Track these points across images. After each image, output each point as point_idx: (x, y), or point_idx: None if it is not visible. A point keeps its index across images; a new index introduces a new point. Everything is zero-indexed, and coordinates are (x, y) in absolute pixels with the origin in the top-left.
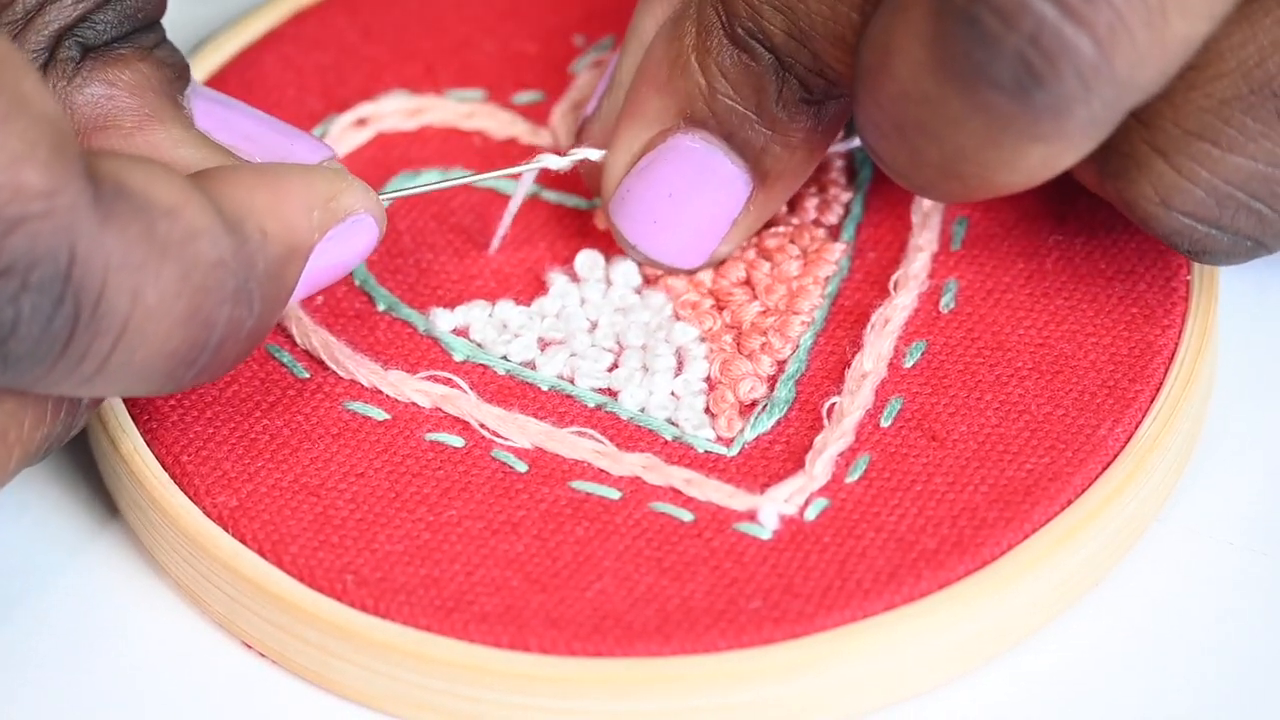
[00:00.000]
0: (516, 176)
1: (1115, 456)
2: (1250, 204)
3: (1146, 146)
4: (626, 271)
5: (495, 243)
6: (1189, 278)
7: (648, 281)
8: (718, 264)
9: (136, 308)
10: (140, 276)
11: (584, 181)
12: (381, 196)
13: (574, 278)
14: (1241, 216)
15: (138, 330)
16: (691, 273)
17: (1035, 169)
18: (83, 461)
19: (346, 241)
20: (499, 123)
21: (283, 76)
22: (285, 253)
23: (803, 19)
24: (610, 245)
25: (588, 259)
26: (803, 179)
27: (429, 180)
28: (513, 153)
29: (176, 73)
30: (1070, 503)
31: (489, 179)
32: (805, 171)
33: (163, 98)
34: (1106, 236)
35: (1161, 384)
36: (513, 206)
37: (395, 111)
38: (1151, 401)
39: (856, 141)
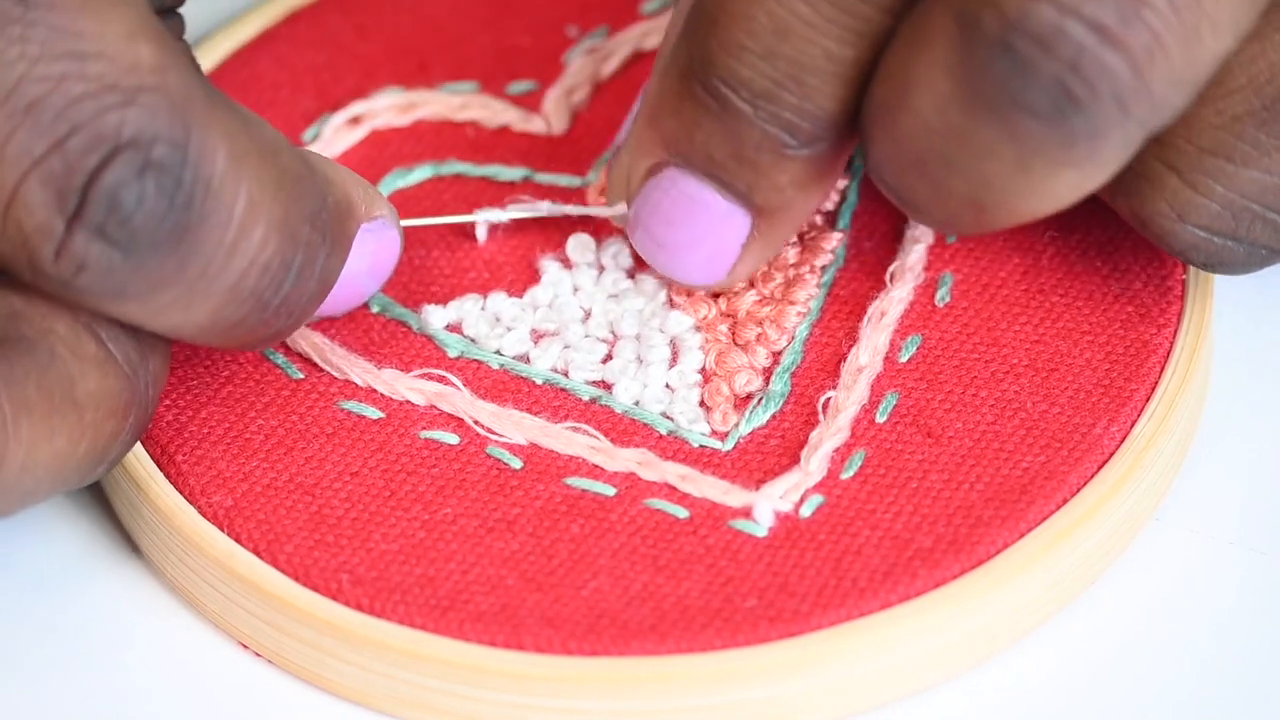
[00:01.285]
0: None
1: (1111, 455)
2: (1266, 215)
3: (1160, 164)
4: (618, 254)
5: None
6: (1184, 276)
7: (641, 264)
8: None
9: (240, 200)
10: (245, 169)
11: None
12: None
13: (566, 264)
14: (1258, 227)
15: (243, 228)
16: (717, 289)
17: (1064, 194)
18: None
19: (380, 241)
20: (491, 111)
21: (277, 76)
22: (346, 202)
23: (789, 63)
24: (601, 228)
25: (579, 243)
26: (809, 208)
27: (421, 175)
28: (507, 140)
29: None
30: (1066, 501)
31: (520, 212)
32: (806, 202)
33: None
34: (1102, 234)
35: (1157, 382)
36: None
37: (388, 108)
38: (1147, 400)
39: None
